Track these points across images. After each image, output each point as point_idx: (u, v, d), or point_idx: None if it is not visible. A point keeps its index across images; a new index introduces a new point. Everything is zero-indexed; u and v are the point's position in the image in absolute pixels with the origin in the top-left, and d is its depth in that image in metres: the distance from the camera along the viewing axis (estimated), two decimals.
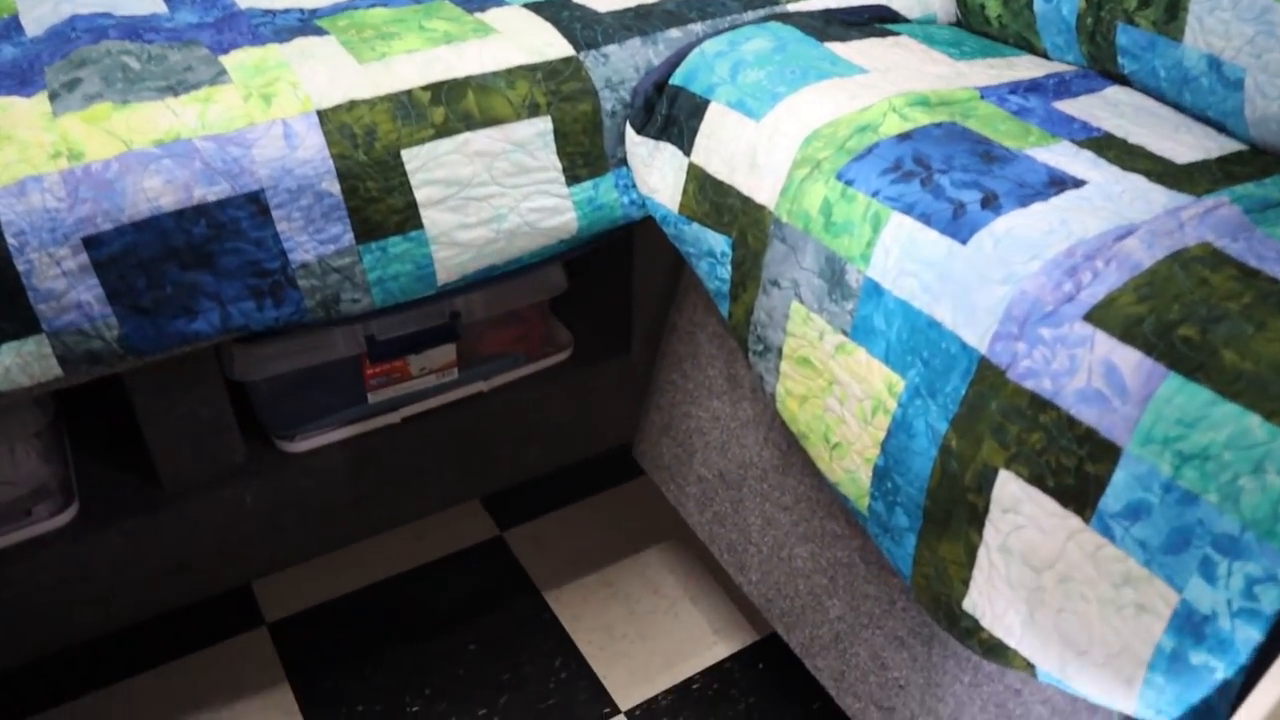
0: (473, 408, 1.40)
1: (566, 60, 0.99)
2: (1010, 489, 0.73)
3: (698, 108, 0.99)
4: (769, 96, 0.95)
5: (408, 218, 0.94)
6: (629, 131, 1.03)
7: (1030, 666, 0.75)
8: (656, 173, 1.02)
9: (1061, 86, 0.98)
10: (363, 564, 1.39)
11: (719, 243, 0.98)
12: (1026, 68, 1.04)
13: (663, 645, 1.31)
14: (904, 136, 0.87)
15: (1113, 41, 0.99)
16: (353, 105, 0.91)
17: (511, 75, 0.97)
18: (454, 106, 0.94)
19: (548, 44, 1.00)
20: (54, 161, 0.82)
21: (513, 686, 1.25)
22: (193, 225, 0.87)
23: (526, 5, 1.06)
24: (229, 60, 0.92)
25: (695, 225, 1.00)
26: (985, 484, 0.74)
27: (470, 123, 0.94)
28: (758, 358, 0.96)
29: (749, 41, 1.02)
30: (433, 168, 0.94)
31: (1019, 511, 0.72)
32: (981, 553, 0.76)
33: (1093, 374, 0.68)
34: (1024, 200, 0.79)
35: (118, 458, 1.32)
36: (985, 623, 0.77)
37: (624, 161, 1.05)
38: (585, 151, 1.01)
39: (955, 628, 0.81)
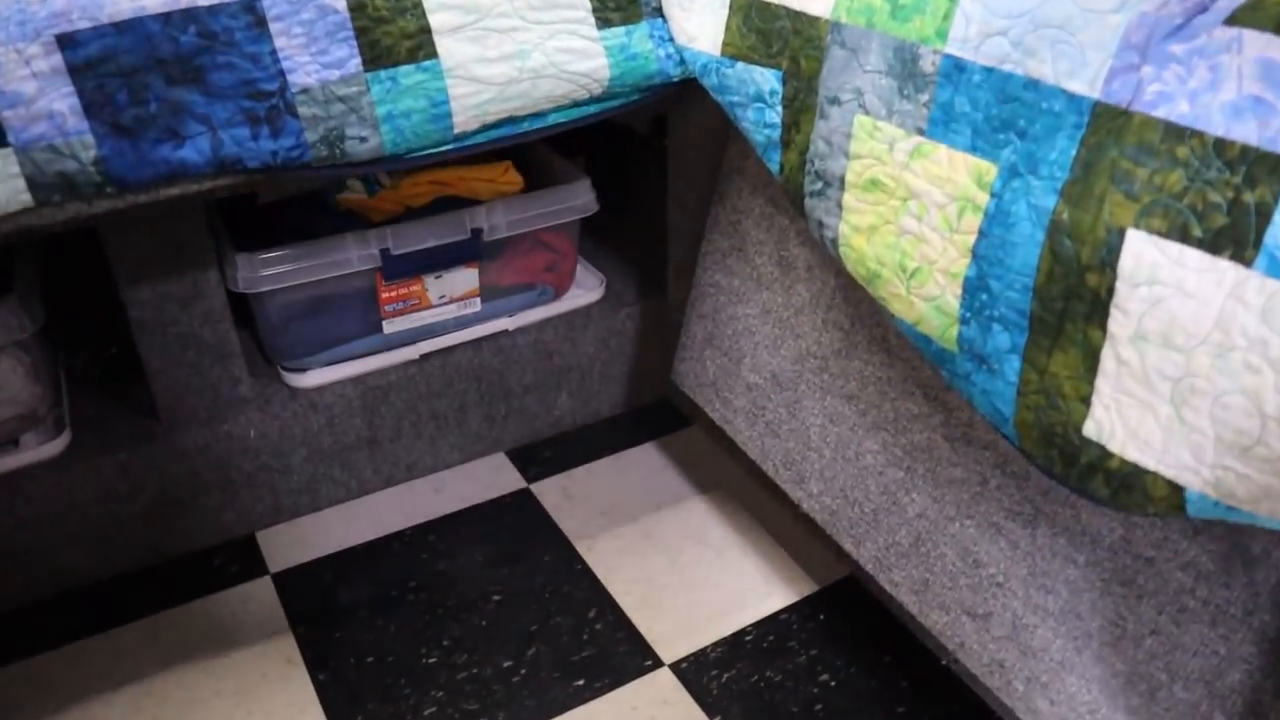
0: (497, 347, 1.29)
1: None
2: (1143, 254, 0.60)
3: None
4: None
5: (421, 45, 0.84)
6: None
7: (1178, 493, 0.62)
8: (695, 17, 0.93)
9: None
10: (376, 515, 1.26)
11: (768, 80, 0.88)
12: None
13: (710, 596, 1.17)
14: None
15: None
16: None
17: None
18: None
19: None
20: None
21: (542, 639, 1.11)
22: (180, 32, 0.77)
23: None
24: None
25: (740, 65, 0.90)
26: (1109, 256, 0.62)
27: None
28: (816, 199, 0.84)
29: None
30: None
31: (1156, 280, 0.60)
32: (1106, 352, 0.63)
33: (1244, 79, 0.56)
34: None
35: (114, 388, 1.21)
36: (1114, 445, 0.64)
37: (659, 12, 0.95)
38: None
39: (1074, 468, 0.67)
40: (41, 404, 1.12)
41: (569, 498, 1.30)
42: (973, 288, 0.71)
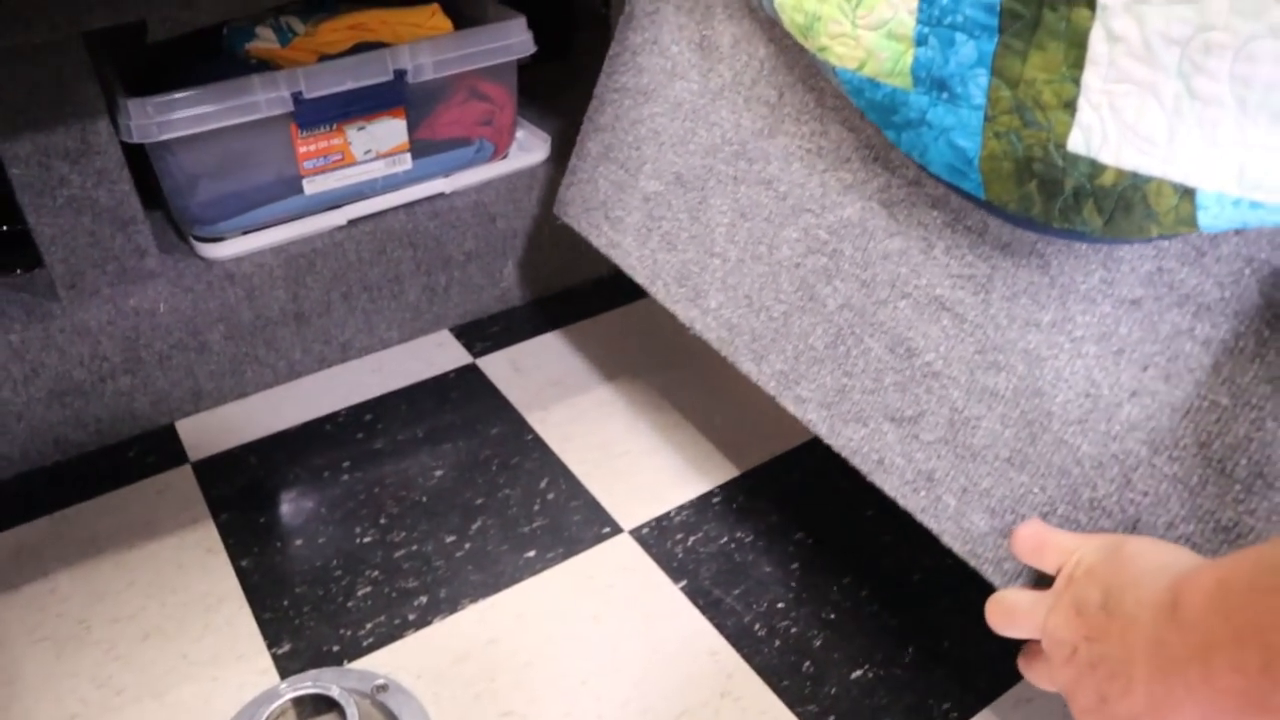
0: (433, 211, 1.18)
1: None
2: None
3: None
4: None
5: None
6: None
7: (1189, 199, 0.51)
8: None
9: None
10: (308, 398, 1.15)
11: None
12: None
13: (672, 462, 1.06)
14: None
15: None
16: None
17: None
18: None
19: None
20: None
21: (488, 511, 1.01)
22: None
23: None
24: None
25: None
26: None
27: None
28: None
29: None
30: None
31: None
32: (1096, 31, 0.52)
33: None
34: None
35: (3, 262, 1.10)
36: (1107, 154, 0.53)
37: None
38: None
39: (1058, 199, 0.57)
40: None
41: (518, 370, 1.19)
42: None
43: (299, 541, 0.98)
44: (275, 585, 0.94)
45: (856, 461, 0.77)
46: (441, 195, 1.18)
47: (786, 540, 0.97)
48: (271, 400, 1.15)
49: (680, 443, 1.08)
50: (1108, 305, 0.63)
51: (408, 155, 1.14)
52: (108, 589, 0.94)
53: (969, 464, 0.70)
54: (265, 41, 1.12)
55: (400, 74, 1.08)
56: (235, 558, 0.97)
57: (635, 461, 1.06)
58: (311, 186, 1.10)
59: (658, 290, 0.93)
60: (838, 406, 0.78)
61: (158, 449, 1.09)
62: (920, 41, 0.61)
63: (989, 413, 0.69)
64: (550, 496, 1.02)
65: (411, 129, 1.12)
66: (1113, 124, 0.53)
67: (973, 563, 0.71)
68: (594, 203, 1.00)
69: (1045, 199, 0.57)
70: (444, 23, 1.15)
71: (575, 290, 1.32)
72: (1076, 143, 0.55)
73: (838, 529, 0.99)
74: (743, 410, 1.12)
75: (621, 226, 0.96)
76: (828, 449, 0.80)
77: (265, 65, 1.11)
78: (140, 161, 1.03)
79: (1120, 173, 0.53)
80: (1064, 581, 0.58)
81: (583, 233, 1.02)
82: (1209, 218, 0.51)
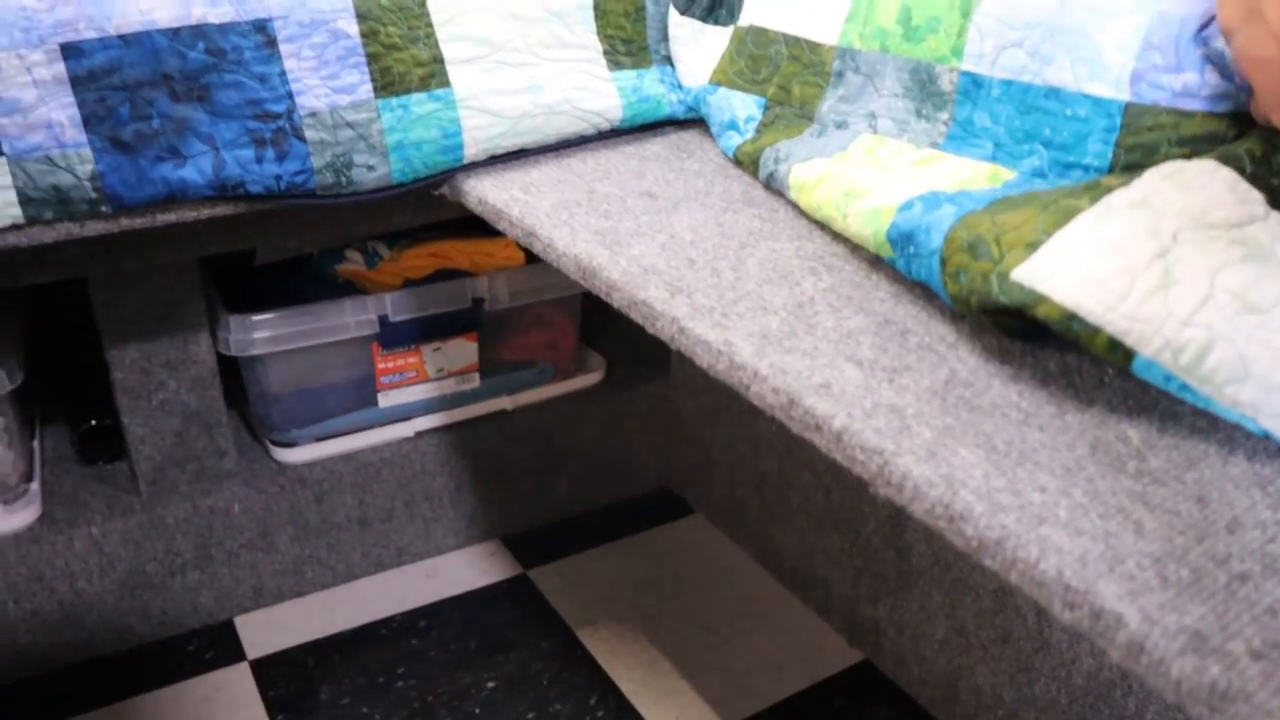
0: (496, 427, 1.24)
1: None
2: None
3: None
4: None
5: (433, 73, 0.83)
6: (671, 13, 0.94)
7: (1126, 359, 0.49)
8: (697, 52, 0.93)
9: None
10: (364, 601, 1.19)
11: (747, 106, 0.87)
12: None
13: (716, 681, 1.09)
14: None
15: None
16: None
17: None
18: None
19: None
20: None
21: None
22: (189, 48, 0.76)
23: None
24: None
25: (722, 91, 0.89)
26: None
27: None
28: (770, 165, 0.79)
29: None
30: (462, 21, 0.84)
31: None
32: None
33: None
34: None
35: (92, 458, 1.15)
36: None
37: (669, 60, 0.95)
38: (627, 38, 0.92)
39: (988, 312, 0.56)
40: (13, 471, 1.06)
41: (568, 584, 1.23)
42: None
43: None
44: None
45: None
46: (504, 412, 1.25)
47: None
48: (328, 601, 1.19)
49: (724, 664, 1.11)
50: None
51: (476, 374, 1.21)
52: None
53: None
54: (353, 264, 1.21)
55: (478, 301, 1.16)
56: None
57: (680, 682, 1.09)
58: (385, 400, 1.17)
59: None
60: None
61: (216, 644, 1.12)
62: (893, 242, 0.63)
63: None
64: (600, 714, 1.05)
65: (482, 350, 1.20)
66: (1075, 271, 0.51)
67: None
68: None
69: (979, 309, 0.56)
70: (517, 254, 1.25)
71: (623, 505, 1.38)
72: (1021, 274, 0.52)
73: None
74: (783, 633, 1.16)
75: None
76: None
77: (352, 286, 1.20)
78: (226, 364, 1.09)
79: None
80: None
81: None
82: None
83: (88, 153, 0.75)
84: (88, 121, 0.74)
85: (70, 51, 0.73)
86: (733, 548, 1.29)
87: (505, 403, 1.25)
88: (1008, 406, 0.51)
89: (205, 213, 0.82)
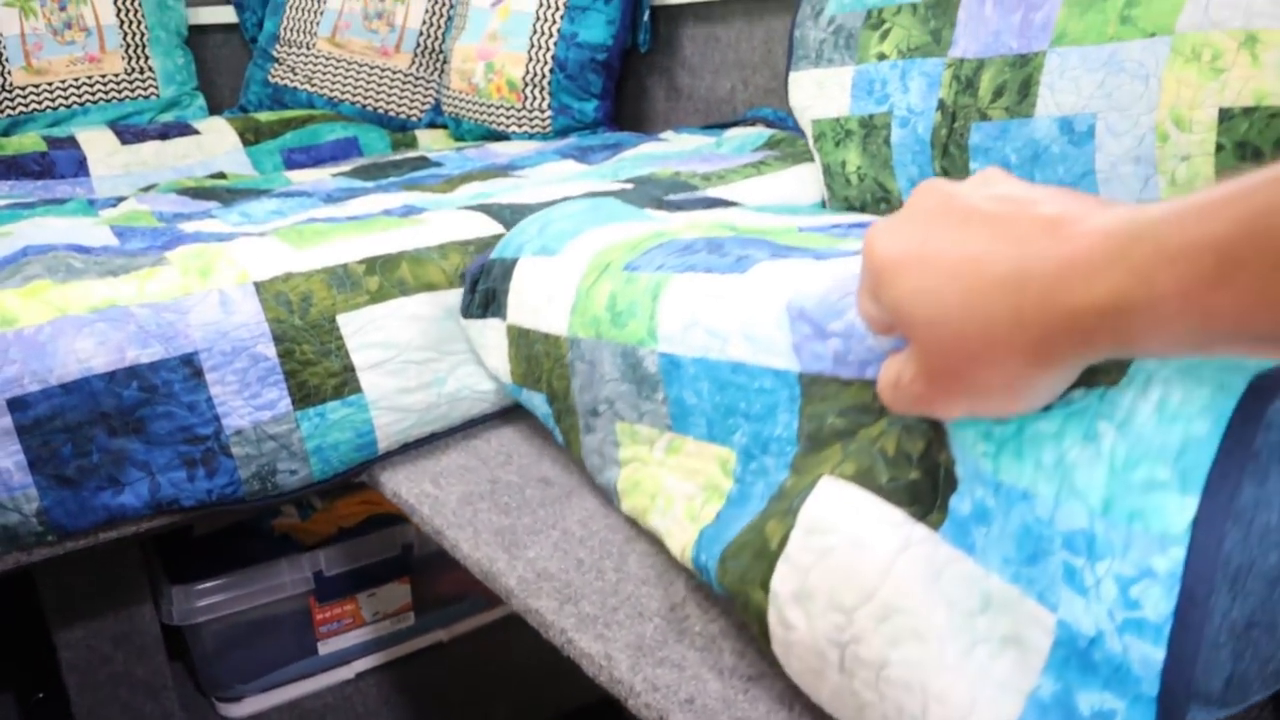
0: (432, 660, 1.31)
1: (499, 236, 1.03)
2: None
3: (508, 270, 0.93)
4: (569, 235, 0.90)
5: (345, 381, 0.93)
6: (459, 320, 0.98)
7: None
8: (493, 352, 0.96)
9: None
10: None
11: (540, 403, 0.91)
12: (860, 216, 1.00)
13: None
14: (701, 237, 0.82)
15: (965, 146, 0.96)
16: (289, 277, 0.93)
17: (444, 248, 1.00)
18: (388, 275, 0.96)
19: (480, 225, 1.04)
20: None
21: None
22: (123, 388, 0.85)
23: (462, 208, 1.11)
24: (171, 253, 0.95)
25: (525, 391, 0.93)
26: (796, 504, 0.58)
27: (405, 289, 0.96)
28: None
29: (565, 205, 0.99)
30: (370, 331, 0.94)
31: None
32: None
33: None
34: (820, 257, 0.72)
35: None
36: None
37: None
38: None
39: None
40: None
41: None
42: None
43: None
44: None
45: None
46: (440, 644, 1.32)
47: None
48: None
49: None
50: None
51: (411, 613, 1.28)
52: None
53: None
54: (288, 517, 1.28)
55: (408, 547, 1.24)
56: None
57: None
58: (325, 647, 1.24)
59: None
60: None
61: None
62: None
63: None
64: None
65: (414, 590, 1.28)
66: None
67: None
68: None
69: None
70: None
71: (570, 716, 1.43)
72: None
73: None
74: None
75: None
76: None
77: (288, 538, 1.27)
78: (170, 628, 1.15)
79: None
80: None
81: None
82: None
83: (33, 492, 0.83)
84: (33, 464, 0.83)
85: (16, 405, 0.81)
86: None
87: (440, 635, 1.32)
88: None
89: (144, 526, 0.90)
